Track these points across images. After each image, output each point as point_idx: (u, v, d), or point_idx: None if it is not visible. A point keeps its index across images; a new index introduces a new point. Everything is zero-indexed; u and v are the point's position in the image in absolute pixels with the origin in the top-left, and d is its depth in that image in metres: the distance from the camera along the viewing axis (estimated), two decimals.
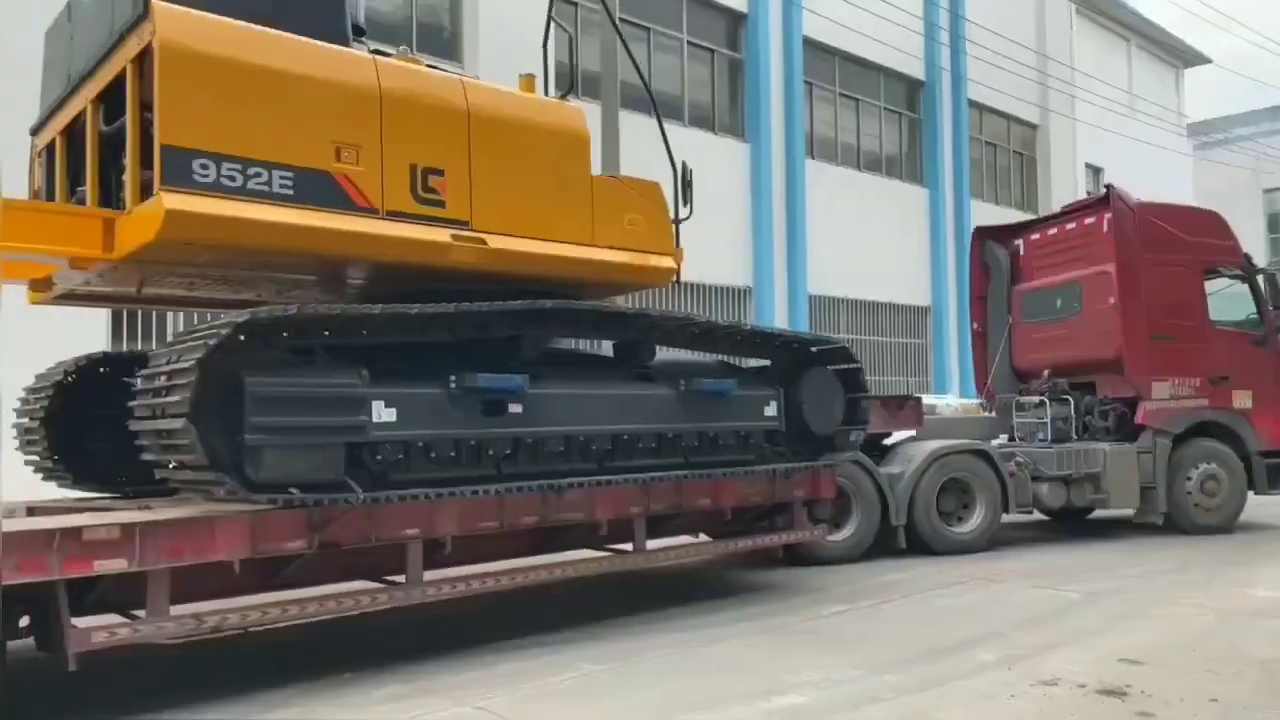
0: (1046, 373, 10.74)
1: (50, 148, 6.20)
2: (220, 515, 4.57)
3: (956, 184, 21.35)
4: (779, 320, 17.01)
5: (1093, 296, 10.35)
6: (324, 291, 6.36)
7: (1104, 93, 24.24)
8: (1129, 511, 10.06)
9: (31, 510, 5.20)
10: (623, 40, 7.60)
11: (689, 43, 16.93)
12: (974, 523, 9.37)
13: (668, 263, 6.79)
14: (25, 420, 6.48)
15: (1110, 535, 10.30)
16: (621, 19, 13.69)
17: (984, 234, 12.18)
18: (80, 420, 6.36)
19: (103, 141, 5.39)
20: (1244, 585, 7.42)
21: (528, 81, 6.34)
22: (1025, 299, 11.37)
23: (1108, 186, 10.75)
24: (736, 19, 17.68)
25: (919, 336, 20.70)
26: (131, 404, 4.71)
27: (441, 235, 5.51)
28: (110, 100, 5.29)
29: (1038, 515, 10.48)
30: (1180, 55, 30.45)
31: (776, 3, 17.72)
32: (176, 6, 4.69)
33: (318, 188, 5.05)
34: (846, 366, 7.58)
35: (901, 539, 8.87)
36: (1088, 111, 24.50)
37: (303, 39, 5.14)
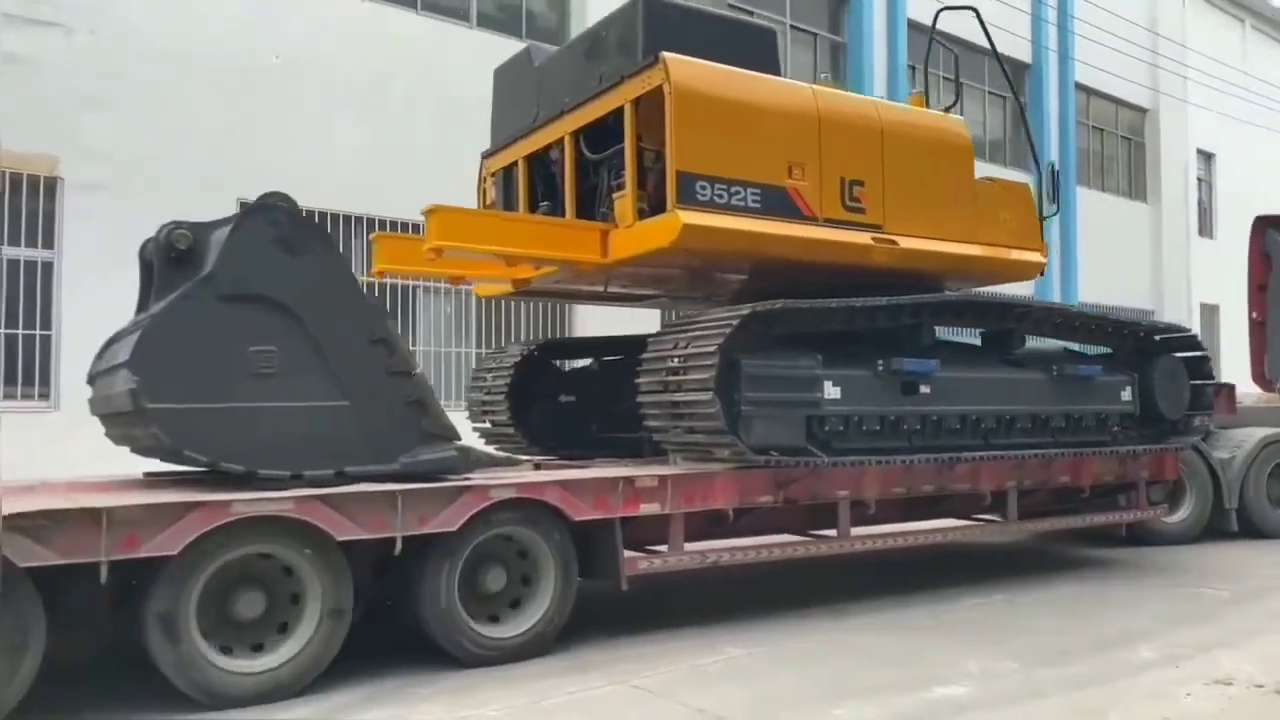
0: None
1: (508, 170, 7.48)
2: (719, 472, 5.60)
3: (1062, 170, 20.58)
4: None
5: None
6: (697, 289, 7.41)
7: (1218, 75, 22.63)
8: None
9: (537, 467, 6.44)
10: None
11: (792, 26, 16.52)
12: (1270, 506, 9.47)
13: (1037, 257, 7.40)
14: (480, 394, 7.85)
15: None
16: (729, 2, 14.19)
17: (1265, 223, 12.03)
18: (528, 394, 7.67)
19: (580, 166, 6.56)
20: None
21: (917, 99, 7.11)
22: None
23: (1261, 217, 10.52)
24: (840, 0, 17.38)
25: None
26: (639, 380, 5.80)
27: (864, 238, 6.36)
28: (593, 134, 6.43)
29: None
30: None
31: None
32: (682, 57, 5.72)
33: (777, 201, 6.00)
34: (1192, 355, 7.92)
35: (1234, 522, 9.07)
36: (1200, 94, 23.01)
37: (766, 76, 6.10)
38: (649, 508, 5.37)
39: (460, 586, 4.83)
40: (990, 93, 20.07)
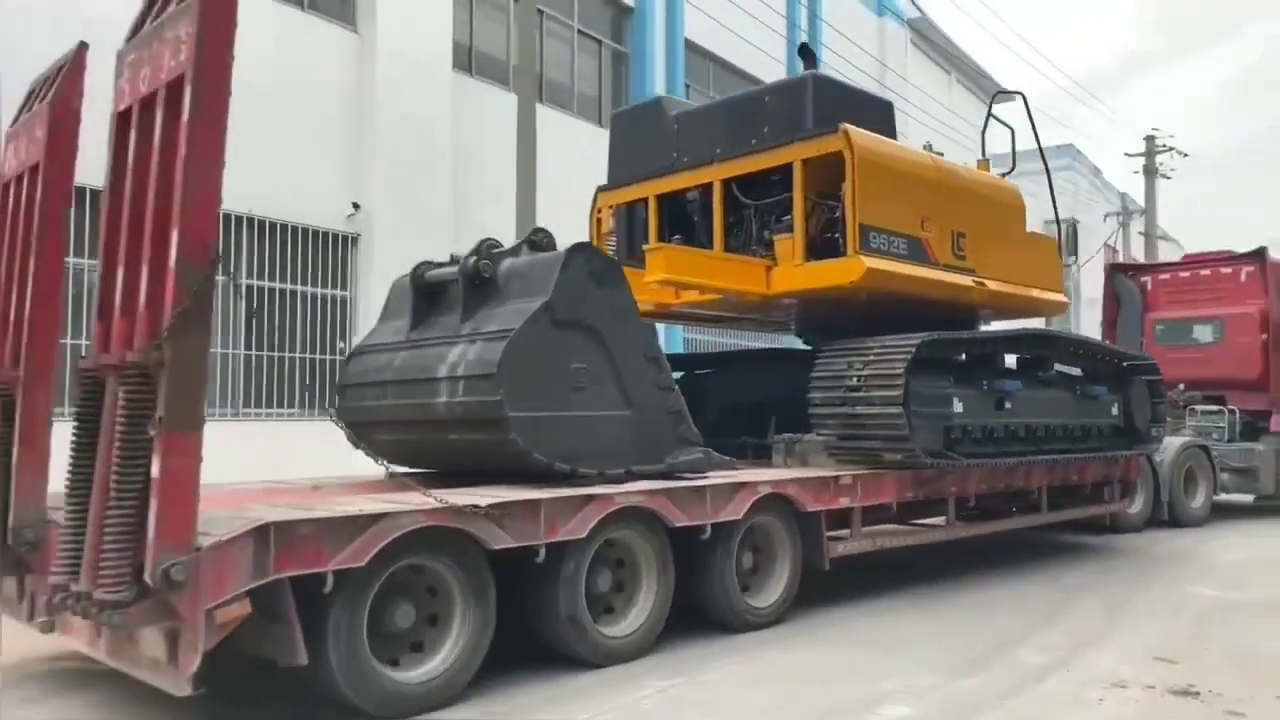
0: (1182, 386, 12.96)
1: (629, 206, 8.44)
2: (885, 473, 6.84)
3: None
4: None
5: (1235, 331, 12.90)
6: (772, 317, 8.74)
7: (929, 120, 25.13)
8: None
9: None
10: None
11: (579, 31, 17.00)
12: (1200, 501, 11.75)
13: (1060, 297, 9.09)
14: None
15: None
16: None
17: (1116, 269, 14.86)
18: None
19: (729, 208, 7.64)
20: None
21: (984, 165, 8.61)
22: (1159, 326, 13.70)
23: (1263, 248, 13.20)
24: (623, 11, 17.97)
25: None
26: (813, 395, 6.94)
27: (967, 281, 7.79)
28: (747, 182, 7.53)
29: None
30: (989, 91, 32.10)
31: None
32: (857, 129, 6.93)
33: (916, 249, 7.32)
34: (1152, 378, 9.86)
35: (1165, 512, 11.19)
36: (919, 134, 26.09)
37: (906, 146, 7.40)
38: (844, 501, 6.53)
39: (737, 566, 5.82)
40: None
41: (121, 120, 4.17)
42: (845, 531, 6.66)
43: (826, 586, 6.63)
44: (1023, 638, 5.93)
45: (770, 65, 20.65)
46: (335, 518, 4.01)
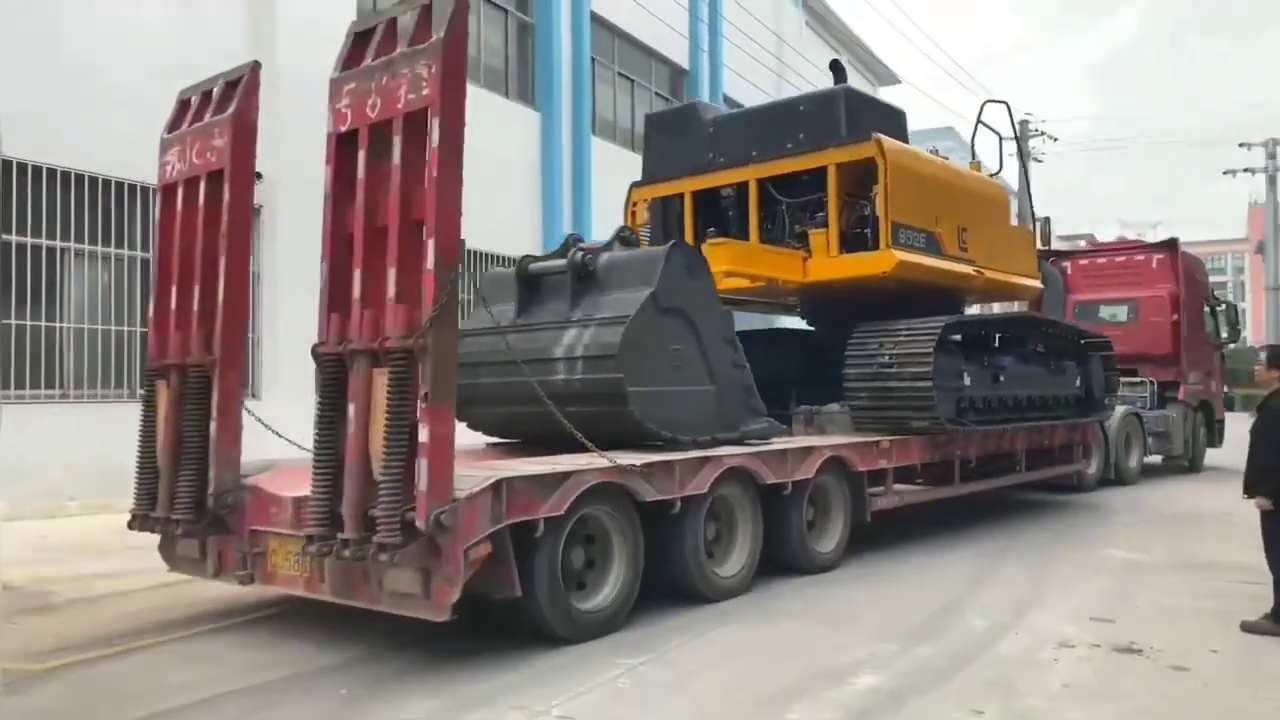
0: None
1: (664, 200, 9.32)
2: (911, 438, 7.90)
3: None
4: None
5: (1149, 311, 14.59)
6: (779, 299, 9.71)
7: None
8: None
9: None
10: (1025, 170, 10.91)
11: (484, 0, 16.42)
12: (1135, 462, 13.28)
13: (1036, 283, 10.32)
14: None
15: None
16: None
17: (1040, 255, 16.28)
18: None
19: (766, 205, 8.59)
20: None
21: (975, 166, 9.73)
22: (1079, 307, 15.18)
23: (1174, 239, 14.84)
24: None
25: None
26: (848, 370, 7.94)
27: (970, 270, 8.91)
28: (782, 182, 8.48)
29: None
30: (877, 73, 32.92)
31: None
32: (890, 139, 7.93)
33: (932, 243, 8.39)
34: (1106, 353, 11.21)
35: (1114, 472, 12.65)
36: None
37: (924, 151, 8.44)
38: (882, 462, 7.58)
39: (805, 517, 6.81)
40: (657, 94, 21.15)
41: (343, 140, 4.86)
42: (880, 489, 7.70)
43: (778, 563, 6.73)
44: (966, 603, 6.07)
45: (675, 40, 20.61)
46: (544, 474, 4.84)
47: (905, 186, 8.06)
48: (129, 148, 9.40)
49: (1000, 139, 9.68)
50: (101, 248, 10.65)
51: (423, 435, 4.30)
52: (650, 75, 21.03)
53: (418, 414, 4.32)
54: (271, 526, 5.26)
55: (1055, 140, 31.51)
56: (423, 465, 4.28)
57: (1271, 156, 33.12)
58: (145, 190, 10.51)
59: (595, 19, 18.46)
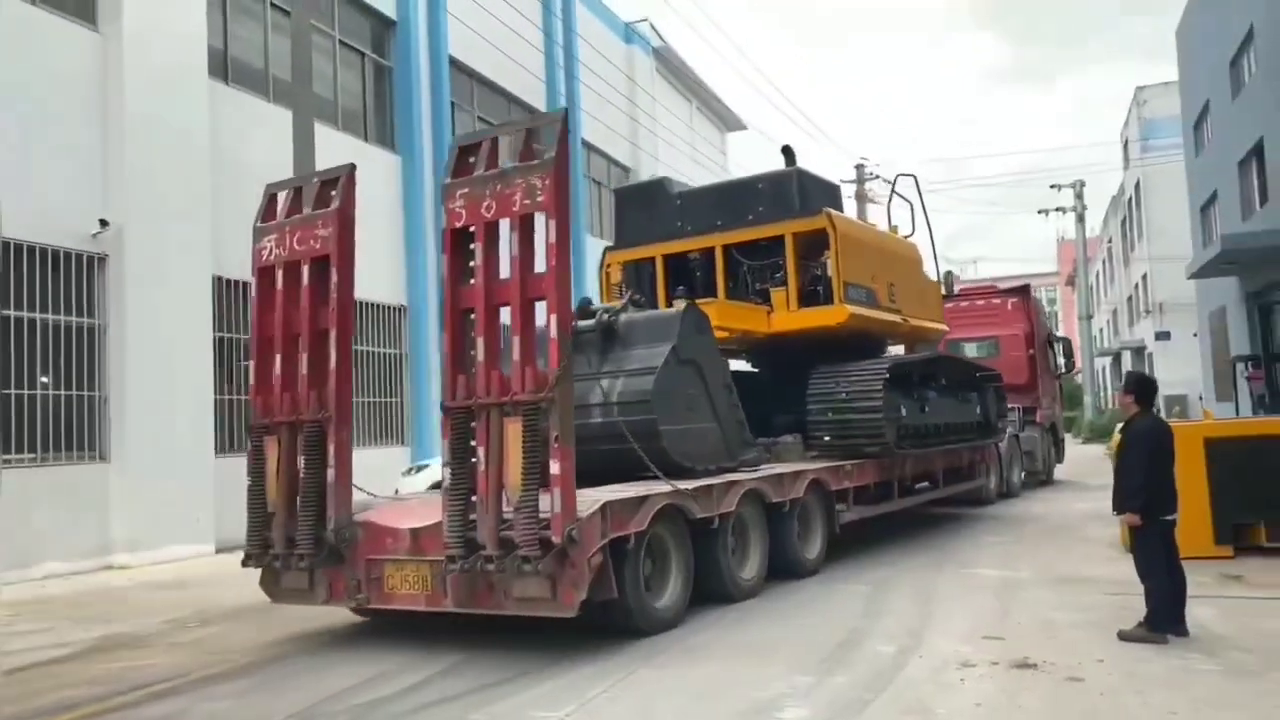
0: None
1: (635, 264, 10.68)
2: (866, 462, 9.43)
3: (574, 219, 22.83)
4: (433, 340, 16.21)
5: (1008, 347, 16.90)
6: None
7: (677, 144, 26.87)
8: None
9: None
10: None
11: (340, 43, 16.35)
12: (1018, 477, 15.35)
13: (944, 327, 12.16)
14: None
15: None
16: (272, 3, 14.47)
17: None
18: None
19: (730, 267, 10.06)
20: None
21: (894, 230, 11.49)
22: (950, 344, 16.63)
23: (1026, 285, 17.34)
24: (385, 24, 17.47)
25: None
26: (810, 407, 9.42)
27: (897, 318, 10.59)
28: (744, 248, 9.97)
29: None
30: (725, 120, 34.66)
31: (424, 13, 17.85)
32: (838, 213, 9.53)
33: (871, 297, 10.02)
34: (998, 385, 13.16)
35: (1005, 486, 14.62)
36: (667, 155, 26.62)
37: (865, 223, 10.08)
38: (846, 483, 9.06)
39: (797, 529, 8.19)
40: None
41: (458, 234, 5.99)
42: (842, 506, 9.17)
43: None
44: (866, 631, 6.26)
45: (531, 84, 21.12)
46: (630, 498, 6.07)
47: (851, 251, 9.66)
48: None
49: (912, 206, 11.47)
50: None
51: (554, 469, 5.46)
52: (509, 118, 20.84)
53: (549, 453, 5.48)
54: (388, 555, 6.26)
55: (890, 183, 34.22)
56: (556, 493, 5.44)
57: (1079, 196, 36.33)
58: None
59: (454, 63, 18.60)
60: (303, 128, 10.47)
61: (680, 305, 8.00)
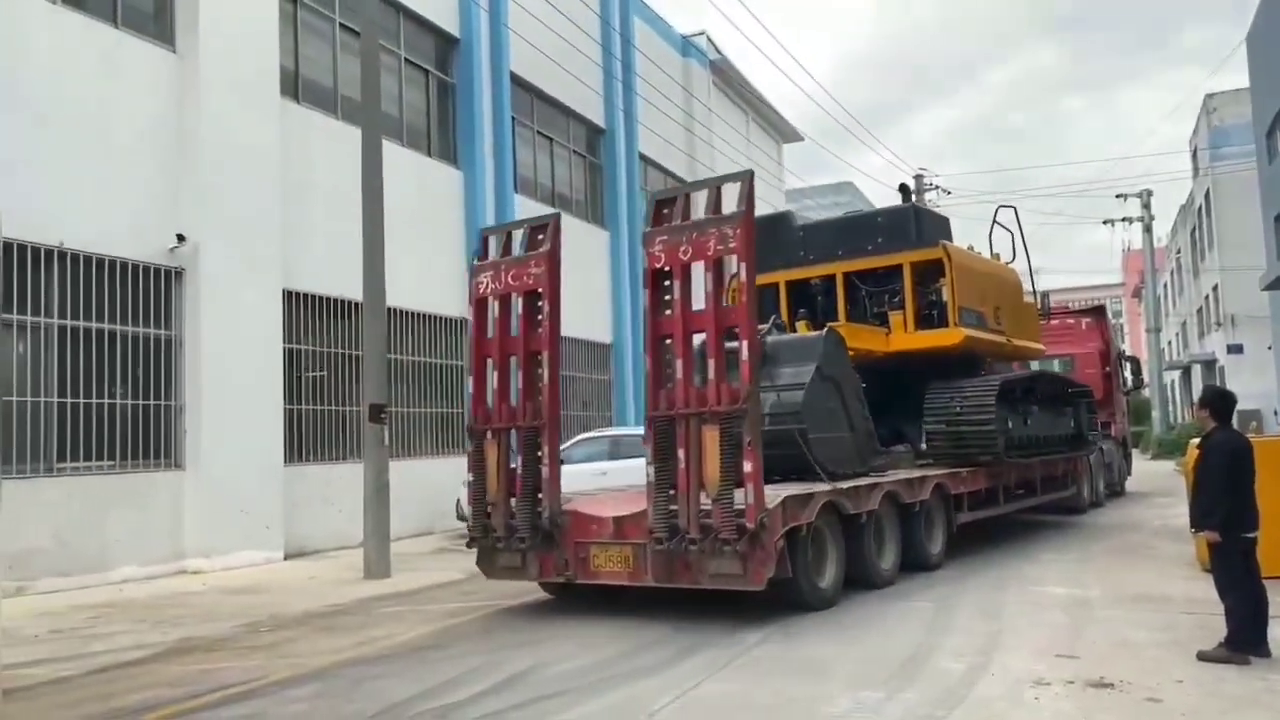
0: None
1: (761, 289, 11.84)
2: (978, 469, 10.46)
3: (631, 228, 22.30)
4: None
5: (1084, 364, 17.65)
6: None
7: (733, 155, 26.20)
8: None
9: None
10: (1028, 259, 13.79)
11: (406, 60, 16.56)
12: (1103, 488, 16.17)
13: (1041, 346, 13.13)
14: None
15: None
16: (341, 23, 14.73)
17: None
18: None
19: (850, 292, 11.19)
20: None
21: (996, 257, 12.51)
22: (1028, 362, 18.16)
23: (1102, 305, 18.16)
24: (449, 42, 17.54)
25: (603, 372, 21.78)
26: (926, 419, 10.48)
27: (1003, 339, 11.63)
28: (864, 275, 11.10)
29: None
30: (782, 132, 34.66)
31: (486, 30, 17.89)
32: (952, 244, 10.63)
33: (981, 320, 11.07)
34: (1090, 400, 14.05)
35: (1094, 496, 15.47)
36: (725, 169, 24.09)
37: (974, 252, 11.17)
38: (962, 488, 10.12)
39: (924, 527, 9.28)
40: (575, 152, 21.66)
41: (658, 274, 7.24)
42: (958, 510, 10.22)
43: (729, 617, 7.15)
44: (933, 646, 6.12)
45: (589, 98, 21.25)
46: (801, 494, 7.25)
47: (964, 279, 10.74)
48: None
49: (1012, 235, 12.49)
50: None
51: (747, 468, 6.67)
52: (568, 134, 21.46)
53: (743, 454, 6.69)
54: (594, 539, 7.51)
55: (949, 194, 34.52)
56: (750, 487, 6.64)
57: (1146, 205, 35.23)
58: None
59: (515, 79, 18.74)
60: (370, 145, 11.04)
61: (815, 328, 9.18)
